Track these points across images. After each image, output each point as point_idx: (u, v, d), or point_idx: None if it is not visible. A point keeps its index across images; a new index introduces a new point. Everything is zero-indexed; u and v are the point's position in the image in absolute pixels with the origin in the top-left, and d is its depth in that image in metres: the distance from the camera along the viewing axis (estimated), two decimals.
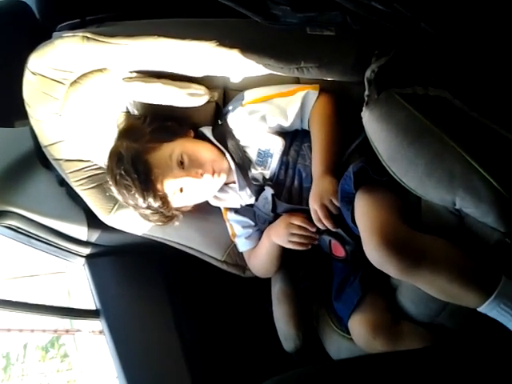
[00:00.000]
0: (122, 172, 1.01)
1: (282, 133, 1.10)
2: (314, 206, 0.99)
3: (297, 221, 1.04)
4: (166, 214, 1.09)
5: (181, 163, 1.04)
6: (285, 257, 1.15)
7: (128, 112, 1.14)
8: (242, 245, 1.19)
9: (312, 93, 1.05)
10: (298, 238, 1.04)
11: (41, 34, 1.07)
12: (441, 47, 0.81)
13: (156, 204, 1.03)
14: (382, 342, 0.95)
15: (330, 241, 1.04)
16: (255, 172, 1.09)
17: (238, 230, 1.18)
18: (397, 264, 0.80)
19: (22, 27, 1.18)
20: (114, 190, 1.06)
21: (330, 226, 0.99)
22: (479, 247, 0.82)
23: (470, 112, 0.82)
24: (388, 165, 0.86)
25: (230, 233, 1.21)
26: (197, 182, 1.05)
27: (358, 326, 0.98)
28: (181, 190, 1.06)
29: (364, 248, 0.85)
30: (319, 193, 0.99)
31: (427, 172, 0.79)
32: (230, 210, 1.18)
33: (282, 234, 1.06)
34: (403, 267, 0.80)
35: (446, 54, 0.84)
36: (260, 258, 1.16)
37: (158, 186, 1.03)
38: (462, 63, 0.84)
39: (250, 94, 1.09)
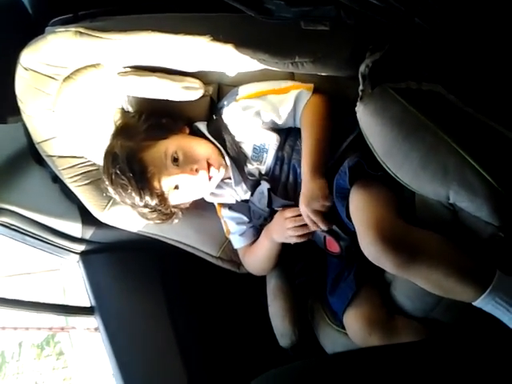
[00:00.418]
0: (118, 171, 1.01)
1: (277, 128, 1.09)
2: (305, 210, 0.98)
3: (289, 213, 1.04)
4: (165, 211, 1.08)
5: (175, 160, 1.03)
6: (280, 253, 1.15)
7: (123, 108, 1.13)
8: (237, 242, 1.19)
9: (305, 92, 1.04)
10: (295, 230, 1.03)
11: (33, 29, 1.06)
12: (435, 42, 0.81)
13: (153, 202, 1.03)
14: (378, 338, 0.95)
15: (324, 237, 1.04)
16: (251, 167, 1.09)
17: (232, 226, 1.18)
18: (393, 259, 0.80)
19: (15, 22, 1.18)
20: (111, 190, 1.05)
21: (325, 228, 0.99)
22: (473, 241, 0.82)
23: (464, 107, 0.82)
24: (383, 159, 0.86)
25: (225, 229, 1.20)
26: (192, 179, 1.04)
27: (354, 321, 0.99)
28: (177, 187, 1.05)
29: (360, 243, 0.85)
30: (310, 196, 0.98)
31: (422, 165, 0.79)
32: (224, 206, 1.18)
33: (280, 231, 1.06)
34: (399, 262, 0.80)
35: (440, 49, 0.84)
36: (258, 257, 1.16)
37: (154, 184, 1.02)
38: (456, 58, 0.84)
39: (244, 90, 1.08)
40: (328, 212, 0.99)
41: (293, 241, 1.06)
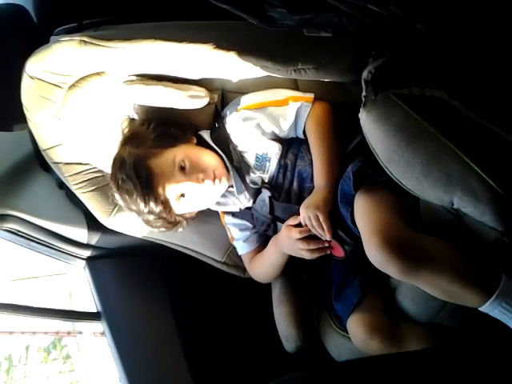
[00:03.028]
0: (124, 177, 1.02)
1: (279, 138, 1.09)
2: (302, 213, 1.00)
3: (292, 220, 1.03)
4: (169, 219, 1.08)
5: (182, 168, 1.04)
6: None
7: (129, 116, 1.14)
8: (241, 248, 1.19)
9: (305, 105, 1.04)
10: (304, 243, 1.02)
11: (38, 38, 1.07)
12: (437, 48, 0.81)
13: (157, 209, 1.03)
14: (379, 344, 0.95)
15: (329, 241, 1.04)
16: (254, 176, 1.09)
17: (236, 233, 1.18)
18: (398, 265, 0.80)
19: (20, 31, 1.19)
20: (117, 196, 1.06)
21: (327, 237, 0.99)
22: (478, 246, 0.82)
23: (467, 112, 0.82)
24: (386, 165, 0.86)
25: (229, 236, 1.20)
26: (198, 187, 1.04)
27: (356, 326, 0.99)
28: (182, 195, 1.05)
29: (365, 249, 0.85)
30: (313, 204, 0.99)
31: (424, 172, 0.79)
32: (227, 213, 1.18)
33: (290, 244, 1.04)
34: (405, 268, 0.80)
35: (442, 55, 0.84)
36: (265, 266, 1.16)
37: (160, 191, 1.02)
38: (459, 64, 0.84)
39: (245, 100, 1.08)
40: (333, 218, 0.99)
41: (306, 256, 1.04)
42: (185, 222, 1.14)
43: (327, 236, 0.98)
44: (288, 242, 1.05)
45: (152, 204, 1.02)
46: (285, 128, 1.06)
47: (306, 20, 0.83)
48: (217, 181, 1.06)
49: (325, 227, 0.98)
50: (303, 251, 1.03)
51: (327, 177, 1.01)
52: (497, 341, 0.85)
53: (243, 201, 1.12)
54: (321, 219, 0.98)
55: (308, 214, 0.99)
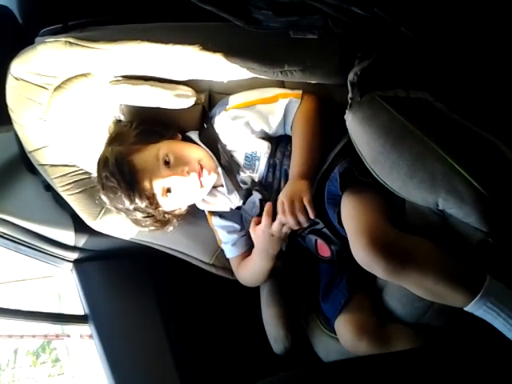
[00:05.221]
0: (108, 174, 1.01)
1: (268, 137, 1.09)
2: (282, 198, 0.98)
3: (267, 228, 1.02)
4: (158, 217, 1.08)
5: (167, 163, 1.03)
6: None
7: (116, 117, 1.13)
8: (229, 252, 1.19)
9: (294, 101, 1.04)
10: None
11: (23, 39, 1.06)
12: (421, 50, 0.82)
13: (143, 204, 1.02)
14: (367, 344, 0.95)
15: (316, 240, 1.04)
16: (244, 175, 1.09)
17: (224, 236, 1.17)
18: (384, 265, 0.81)
19: (4, 32, 1.17)
20: (103, 197, 1.06)
21: (292, 223, 0.96)
22: (463, 247, 0.83)
23: (451, 114, 0.82)
24: (371, 167, 0.86)
25: (217, 239, 1.20)
26: (183, 181, 1.03)
27: (344, 327, 0.99)
28: (169, 191, 1.04)
29: (351, 249, 0.86)
30: (291, 191, 0.97)
31: (409, 174, 0.80)
32: (215, 214, 1.17)
33: (258, 235, 1.05)
34: (391, 268, 0.81)
35: (426, 57, 0.84)
36: (250, 272, 1.15)
37: (144, 186, 1.01)
38: (443, 66, 0.84)
39: (233, 99, 1.08)
40: (318, 209, 0.98)
41: (280, 243, 1.04)
42: (175, 219, 1.12)
43: (311, 215, 0.95)
44: (262, 238, 1.04)
45: (137, 200, 1.01)
46: (273, 125, 1.06)
47: (292, 22, 0.84)
48: (205, 171, 1.04)
49: (309, 209, 0.95)
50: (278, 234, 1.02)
51: (306, 166, 0.99)
52: (482, 340, 0.86)
53: (234, 200, 1.11)
54: (305, 201, 0.95)
55: (292, 199, 0.96)
